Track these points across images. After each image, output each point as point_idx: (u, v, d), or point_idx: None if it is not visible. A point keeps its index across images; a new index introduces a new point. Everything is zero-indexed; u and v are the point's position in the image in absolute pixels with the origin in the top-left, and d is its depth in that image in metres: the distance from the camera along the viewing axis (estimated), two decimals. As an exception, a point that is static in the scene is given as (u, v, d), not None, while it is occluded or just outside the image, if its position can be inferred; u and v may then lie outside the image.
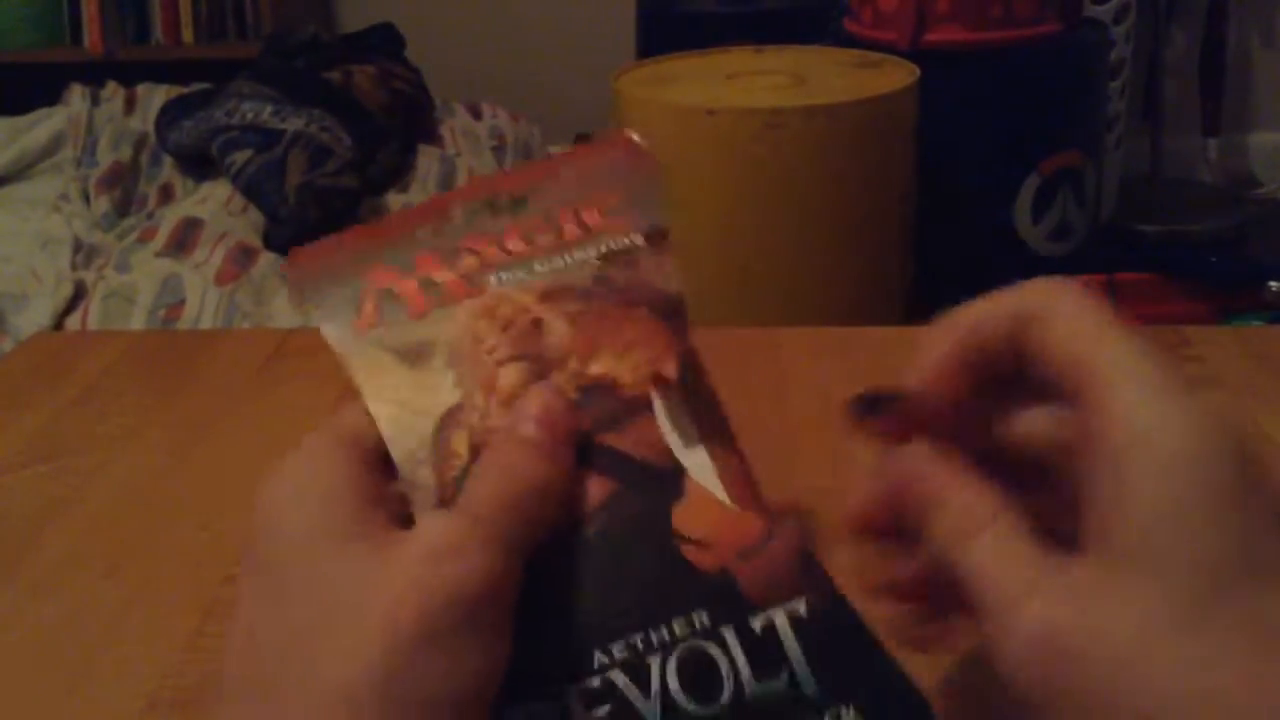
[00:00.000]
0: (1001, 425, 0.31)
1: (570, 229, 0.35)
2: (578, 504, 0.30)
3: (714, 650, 0.28)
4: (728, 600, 0.29)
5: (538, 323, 0.33)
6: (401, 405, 0.32)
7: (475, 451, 0.31)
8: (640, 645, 0.28)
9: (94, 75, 2.18)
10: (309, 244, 0.36)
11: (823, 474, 0.47)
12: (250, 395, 0.60)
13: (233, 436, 0.56)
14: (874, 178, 1.67)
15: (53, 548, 0.48)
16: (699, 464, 0.31)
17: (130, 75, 2.21)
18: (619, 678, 0.28)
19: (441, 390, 0.32)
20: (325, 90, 1.88)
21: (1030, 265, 2.01)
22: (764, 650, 0.28)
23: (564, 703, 0.28)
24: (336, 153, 1.71)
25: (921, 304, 1.80)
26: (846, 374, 0.57)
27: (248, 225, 1.67)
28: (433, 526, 0.28)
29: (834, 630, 0.28)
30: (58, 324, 1.48)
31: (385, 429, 0.32)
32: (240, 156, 1.71)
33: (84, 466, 0.54)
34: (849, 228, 1.65)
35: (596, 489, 0.30)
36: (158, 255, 1.59)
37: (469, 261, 0.34)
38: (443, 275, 0.34)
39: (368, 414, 0.32)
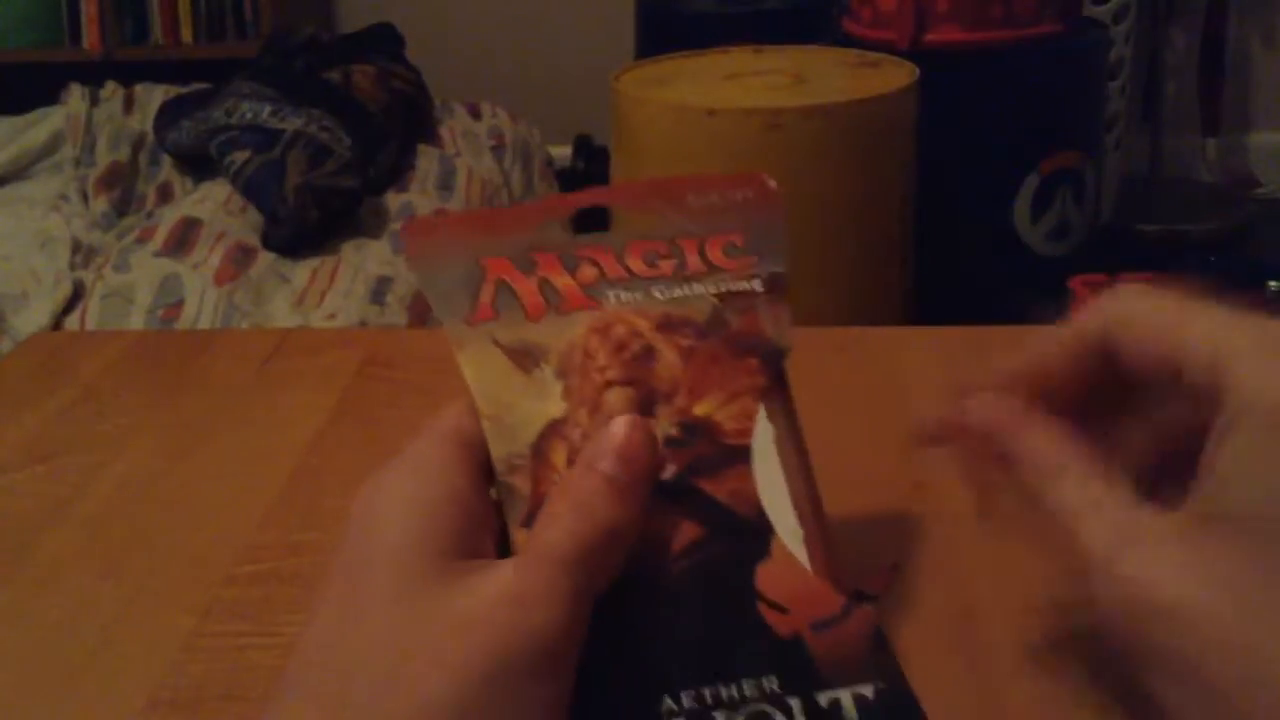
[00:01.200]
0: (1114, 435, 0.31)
1: (693, 260, 0.35)
2: (663, 543, 0.30)
3: (778, 718, 0.28)
4: (799, 670, 0.28)
5: (650, 350, 0.33)
6: (507, 408, 0.32)
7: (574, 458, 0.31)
8: (709, 699, 0.28)
9: (93, 75, 2.18)
10: (426, 218, 0.36)
11: (823, 474, 0.47)
12: (250, 395, 0.60)
13: (232, 436, 0.56)
14: (874, 178, 1.67)
15: (52, 548, 0.48)
16: (788, 527, 0.31)
17: (129, 75, 2.21)
18: None
19: (549, 399, 0.32)
20: (325, 90, 1.88)
21: (1030, 265, 2.01)
22: None
23: None
24: (336, 153, 1.71)
25: (921, 304, 1.80)
26: (846, 374, 0.57)
27: (246, 225, 1.67)
28: (517, 572, 0.28)
29: (896, 717, 0.28)
30: (56, 324, 1.48)
31: (487, 428, 0.31)
32: (239, 156, 1.71)
33: (84, 466, 0.53)
34: (849, 228, 1.65)
35: (684, 532, 0.30)
36: (156, 255, 1.59)
37: (588, 271, 0.34)
38: (561, 280, 0.34)
39: (472, 412, 0.32)
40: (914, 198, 1.76)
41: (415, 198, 1.81)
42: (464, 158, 2.00)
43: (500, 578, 0.28)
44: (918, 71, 1.72)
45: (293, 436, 0.55)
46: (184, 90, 2.08)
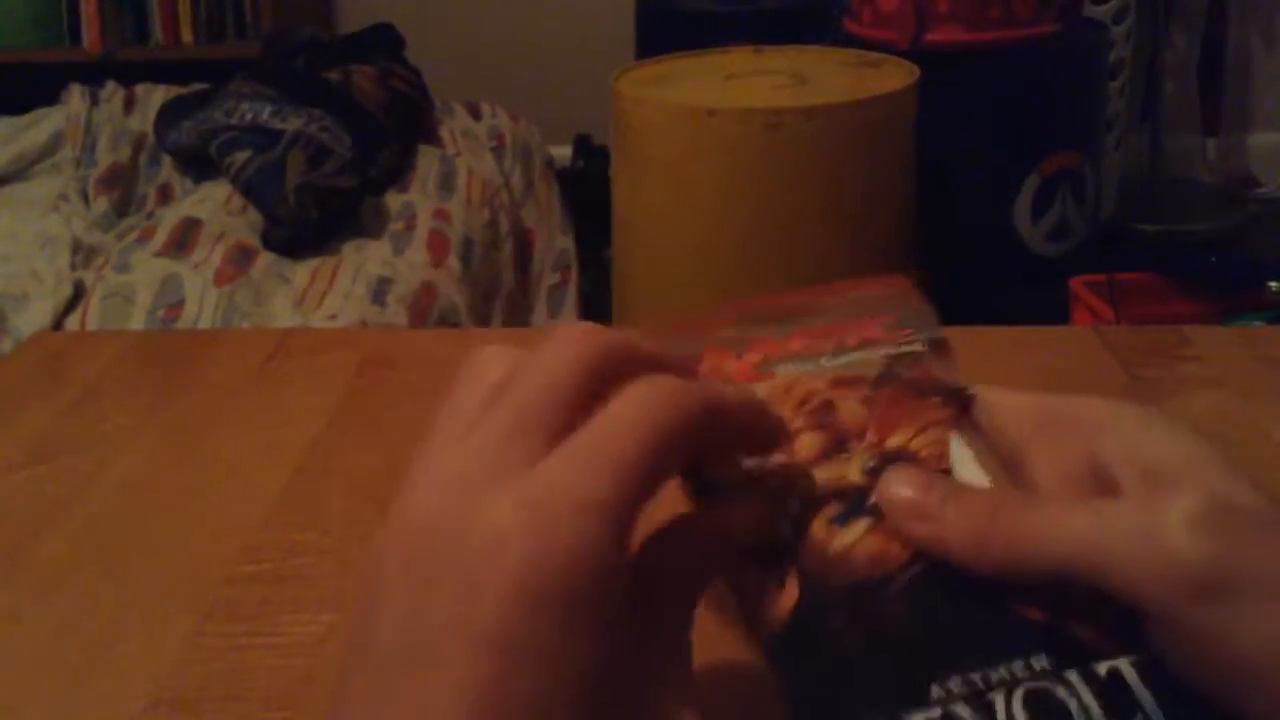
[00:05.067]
0: None
1: (853, 338, 0.36)
2: (888, 553, 0.30)
3: (1061, 691, 0.28)
4: (1067, 647, 0.28)
5: (830, 404, 0.33)
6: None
7: (780, 499, 0.31)
8: (980, 682, 0.28)
9: (93, 75, 2.18)
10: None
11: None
12: (250, 395, 0.60)
13: (232, 436, 0.56)
14: (874, 178, 1.67)
15: (52, 548, 0.48)
16: None
17: (129, 75, 2.21)
18: (963, 710, 0.28)
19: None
20: (325, 90, 1.88)
21: (1030, 265, 2.01)
22: (1115, 694, 0.28)
23: None
24: (336, 153, 1.71)
25: (921, 304, 1.80)
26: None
27: (247, 225, 1.67)
28: None
29: (1176, 681, 0.27)
30: (57, 324, 1.48)
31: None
32: (239, 156, 1.71)
33: (84, 466, 0.53)
34: (849, 227, 1.65)
35: (906, 543, 0.30)
36: (157, 255, 1.59)
37: (755, 356, 0.35)
38: (731, 365, 0.35)
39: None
40: (914, 198, 1.76)
41: (415, 198, 1.81)
42: (464, 158, 2.00)
43: None
44: (918, 71, 1.72)
45: (293, 436, 0.55)
46: (184, 90, 2.08)
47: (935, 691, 0.28)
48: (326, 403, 0.58)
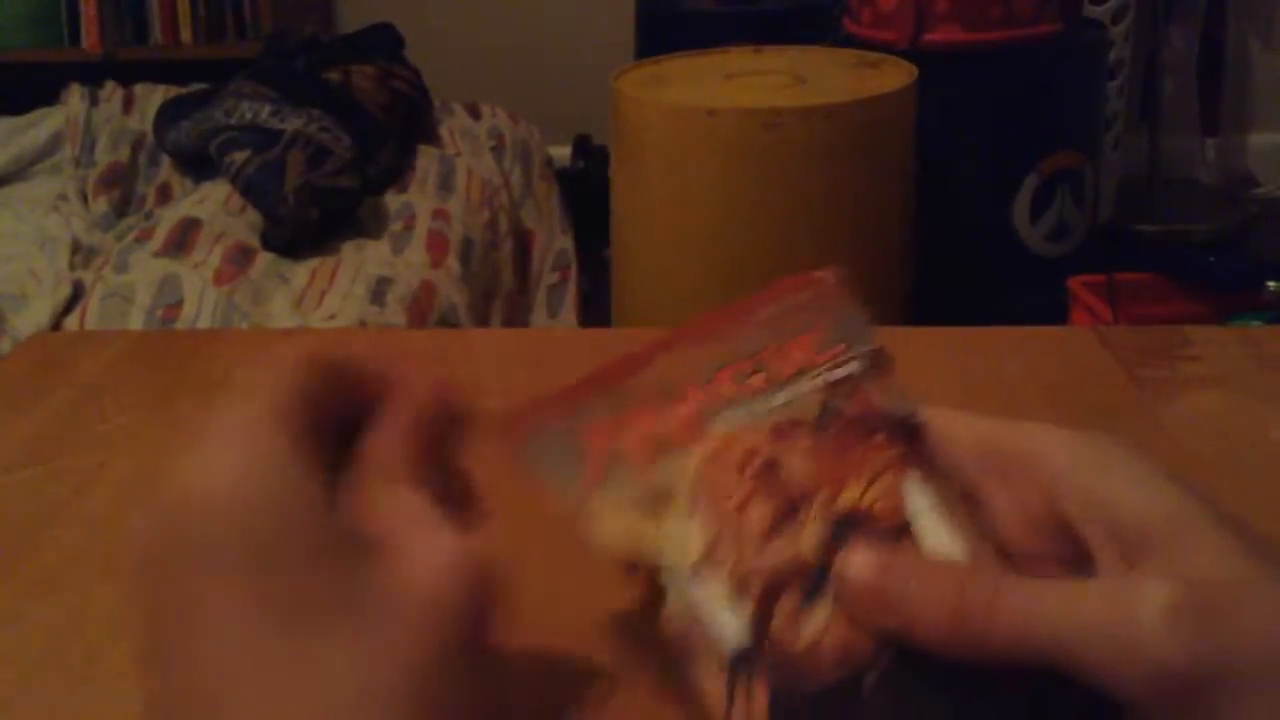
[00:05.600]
0: None
1: (783, 367, 0.34)
2: (855, 645, 0.29)
3: None
4: (1053, 715, 0.28)
5: (772, 465, 0.32)
6: (652, 558, 0.32)
7: (735, 595, 0.30)
8: None
9: (92, 75, 2.18)
10: (522, 409, 0.35)
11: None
12: (250, 395, 0.60)
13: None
14: (873, 178, 1.67)
15: (52, 548, 0.48)
16: None
17: (129, 75, 2.21)
18: None
19: (691, 537, 0.32)
20: (324, 90, 1.88)
21: (1029, 265, 2.01)
22: None
23: None
24: (336, 153, 1.71)
25: (921, 304, 1.80)
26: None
27: (246, 225, 1.67)
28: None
29: None
30: (56, 324, 1.48)
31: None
32: (239, 156, 1.71)
33: (84, 466, 0.53)
34: (849, 228, 1.65)
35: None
36: (156, 255, 1.59)
37: (684, 410, 0.34)
38: (662, 426, 0.34)
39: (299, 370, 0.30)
40: (914, 198, 1.76)
41: (415, 198, 1.81)
42: (464, 158, 2.00)
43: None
44: (917, 71, 1.72)
45: (293, 436, 0.55)
46: (184, 90, 2.08)
47: None
48: (326, 403, 0.58)
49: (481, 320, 1.70)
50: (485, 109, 2.24)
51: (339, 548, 0.26)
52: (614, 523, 0.33)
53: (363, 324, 1.47)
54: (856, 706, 0.28)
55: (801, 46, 1.93)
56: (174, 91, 2.10)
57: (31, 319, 1.48)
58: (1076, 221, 2.03)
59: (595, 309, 2.07)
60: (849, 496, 0.31)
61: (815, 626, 0.29)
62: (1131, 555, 0.27)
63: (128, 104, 2.11)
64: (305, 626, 0.25)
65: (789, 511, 0.31)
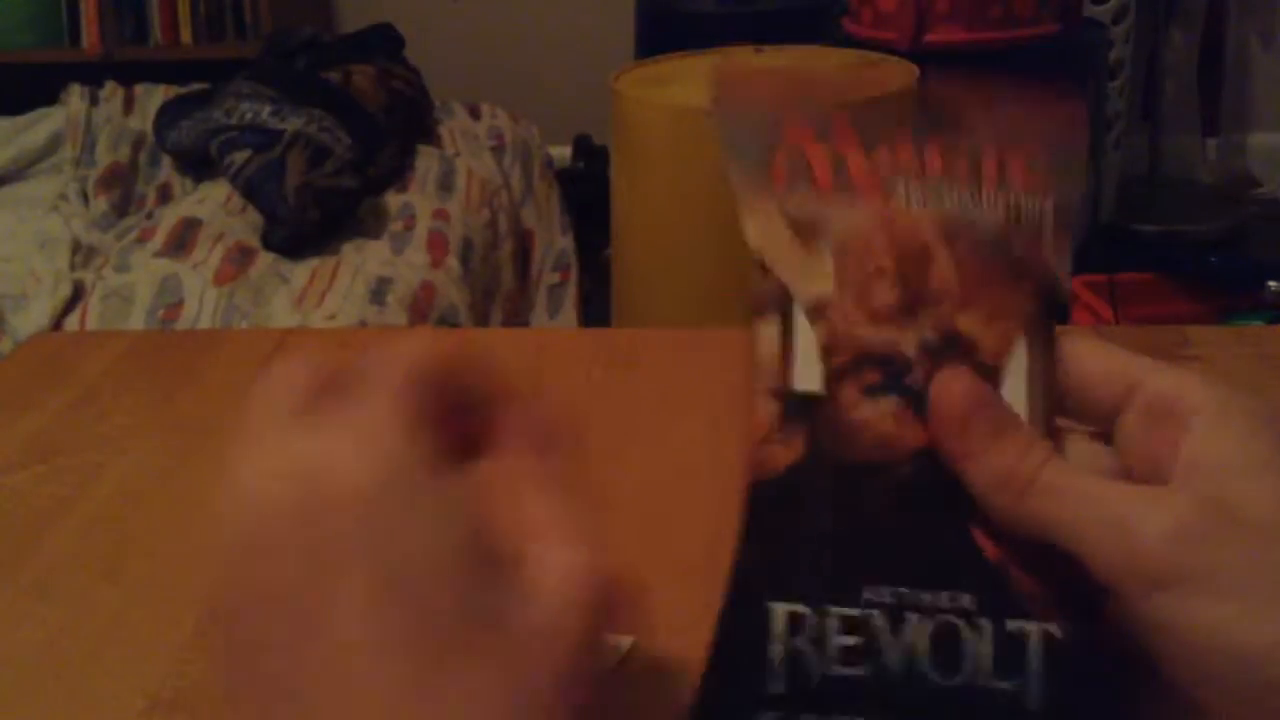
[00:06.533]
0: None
1: (989, 168, 0.34)
2: (898, 441, 0.31)
3: (967, 634, 0.29)
4: (997, 595, 0.29)
5: (927, 251, 0.32)
6: (782, 276, 0.33)
7: (826, 352, 0.31)
8: (906, 599, 0.30)
9: (92, 75, 2.18)
10: (735, 75, 0.35)
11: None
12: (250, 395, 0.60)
13: (232, 437, 0.56)
14: (873, 178, 1.67)
15: (53, 548, 0.48)
16: None
17: (129, 75, 2.21)
18: (879, 619, 0.29)
19: (819, 278, 0.32)
20: (324, 90, 1.88)
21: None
22: (1009, 653, 0.29)
23: (821, 616, 0.29)
24: (336, 153, 1.71)
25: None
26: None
27: (246, 225, 1.67)
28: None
29: (1081, 662, 0.28)
30: (56, 324, 1.48)
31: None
32: (239, 156, 1.71)
33: (84, 466, 0.53)
34: (848, 228, 1.65)
35: (915, 437, 0.31)
36: (156, 255, 1.59)
37: (883, 157, 0.34)
38: (855, 158, 0.34)
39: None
40: (914, 198, 1.76)
41: (415, 198, 1.81)
42: (464, 158, 2.00)
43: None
44: (918, 71, 1.72)
45: (293, 436, 0.55)
46: (184, 90, 2.08)
47: (867, 594, 0.30)
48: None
49: (481, 320, 1.70)
50: (485, 109, 2.24)
51: (471, 561, 0.26)
52: (768, 228, 0.33)
53: (363, 324, 1.47)
54: (862, 496, 0.30)
55: (801, 46, 1.93)
56: (174, 91, 2.10)
57: (31, 319, 1.48)
58: (1077, 221, 2.03)
59: (595, 309, 2.07)
60: (967, 321, 0.32)
61: (873, 411, 0.31)
62: (1179, 484, 0.28)
63: (128, 104, 2.11)
64: (435, 649, 0.24)
65: (913, 304, 0.32)
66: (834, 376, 0.31)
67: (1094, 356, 0.32)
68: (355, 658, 0.24)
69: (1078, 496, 0.28)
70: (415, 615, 0.24)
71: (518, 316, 1.89)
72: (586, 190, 2.31)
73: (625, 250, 1.83)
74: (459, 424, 0.29)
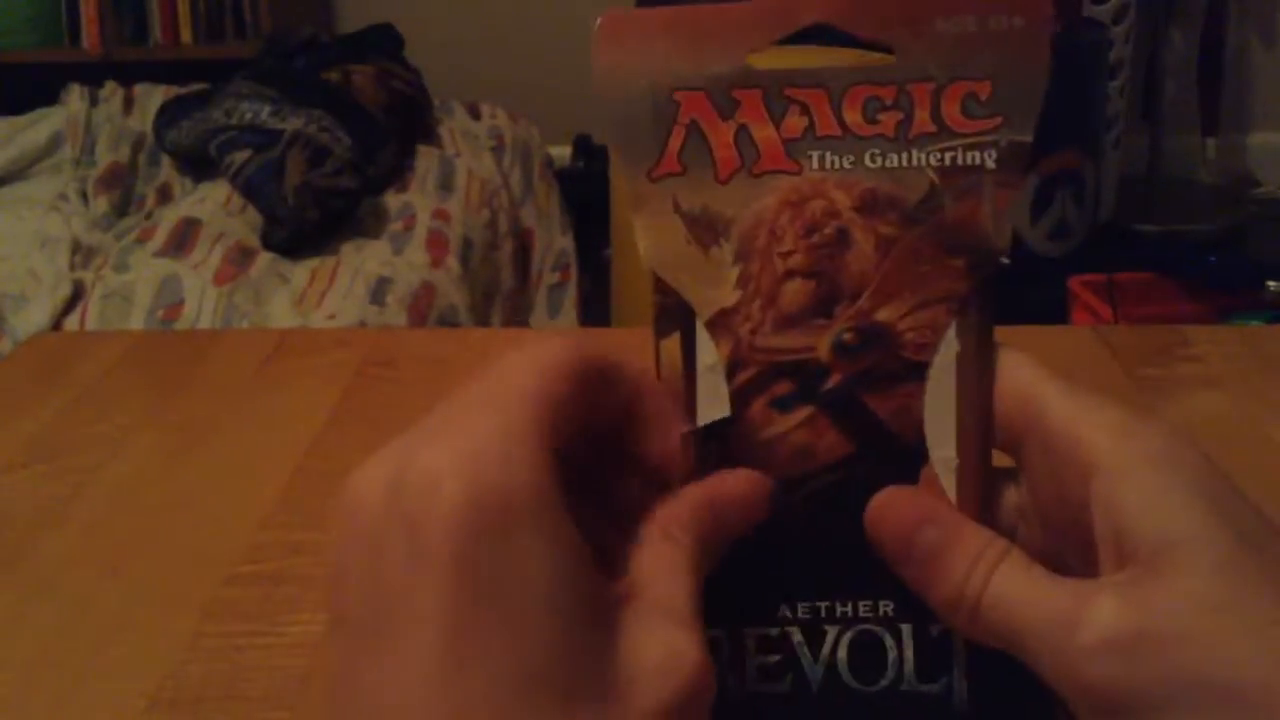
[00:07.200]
0: None
1: (921, 116, 0.30)
2: (810, 454, 0.30)
3: (888, 640, 0.29)
4: (919, 599, 0.29)
5: (845, 235, 0.30)
6: (678, 289, 0.30)
7: (732, 367, 0.29)
8: (824, 612, 0.30)
9: (92, 75, 2.18)
10: (624, 16, 0.30)
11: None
12: (250, 395, 0.60)
13: (232, 437, 0.56)
14: (873, 178, 1.67)
15: (53, 548, 0.48)
16: (944, 456, 0.29)
17: (129, 75, 2.21)
18: (796, 635, 0.30)
19: (722, 285, 0.30)
20: (324, 90, 1.88)
21: (1029, 265, 2.01)
22: (933, 656, 0.29)
23: (737, 639, 0.29)
24: (335, 153, 1.71)
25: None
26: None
27: (246, 225, 1.67)
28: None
29: (1005, 660, 0.28)
30: (56, 324, 1.48)
31: (656, 303, 0.30)
32: (239, 156, 1.71)
33: (84, 466, 0.54)
34: (848, 228, 1.65)
35: (833, 446, 0.30)
36: (156, 255, 1.59)
37: (795, 121, 0.30)
38: (762, 131, 0.30)
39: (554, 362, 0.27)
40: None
41: (414, 198, 1.81)
42: (464, 158, 2.00)
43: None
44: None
45: (293, 436, 0.55)
46: (184, 90, 2.08)
47: (783, 610, 0.30)
48: (326, 403, 0.58)
49: (481, 320, 1.70)
50: (485, 109, 2.24)
51: (584, 603, 0.25)
52: (660, 237, 0.30)
53: (363, 324, 1.47)
54: (778, 514, 0.29)
55: (801, 46, 1.93)
56: (174, 91, 2.10)
57: (31, 319, 1.48)
58: (1077, 221, 2.03)
59: (595, 309, 2.07)
60: (889, 312, 0.29)
61: (785, 425, 0.30)
62: (1125, 560, 0.27)
63: (128, 104, 2.11)
64: (540, 698, 0.23)
65: (827, 301, 0.30)
66: (739, 396, 0.30)
67: (998, 371, 0.29)
68: (426, 678, 0.24)
69: (1024, 607, 0.27)
70: (500, 638, 0.24)
71: (518, 316, 1.89)
72: (586, 190, 2.31)
73: (625, 250, 1.83)
74: (595, 433, 0.28)
